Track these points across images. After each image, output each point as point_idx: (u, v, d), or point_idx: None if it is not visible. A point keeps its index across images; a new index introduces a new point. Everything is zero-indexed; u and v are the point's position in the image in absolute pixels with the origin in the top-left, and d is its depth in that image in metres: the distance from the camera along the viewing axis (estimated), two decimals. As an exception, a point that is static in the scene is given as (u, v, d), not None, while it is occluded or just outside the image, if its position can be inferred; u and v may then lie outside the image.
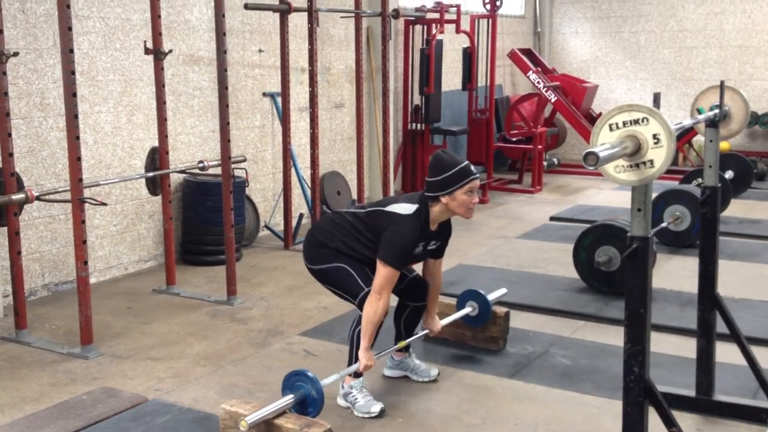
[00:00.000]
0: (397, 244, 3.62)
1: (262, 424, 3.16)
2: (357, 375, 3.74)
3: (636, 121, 2.28)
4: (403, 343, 3.96)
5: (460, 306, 4.46)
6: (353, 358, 3.75)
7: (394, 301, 3.94)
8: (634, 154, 2.28)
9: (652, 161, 2.27)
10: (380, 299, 3.59)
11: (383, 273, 3.60)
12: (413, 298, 4.01)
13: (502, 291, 4.70)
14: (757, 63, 11.09)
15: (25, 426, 3.55)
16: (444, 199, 3.68)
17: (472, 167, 3.74)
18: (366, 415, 3.68)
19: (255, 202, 7.08)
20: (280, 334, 4.82)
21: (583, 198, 9.27)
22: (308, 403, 3.33)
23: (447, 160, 3.71)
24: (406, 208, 3.70)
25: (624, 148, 2.25)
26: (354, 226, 3.79)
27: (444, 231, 3.90)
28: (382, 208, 3.77)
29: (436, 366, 4.20)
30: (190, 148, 6.56)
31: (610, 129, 2.32)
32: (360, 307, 3.68)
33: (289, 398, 3.31)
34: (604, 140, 2.32)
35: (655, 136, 2.26)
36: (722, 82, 3.55)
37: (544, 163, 10.10)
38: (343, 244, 3.79)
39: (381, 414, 3.68)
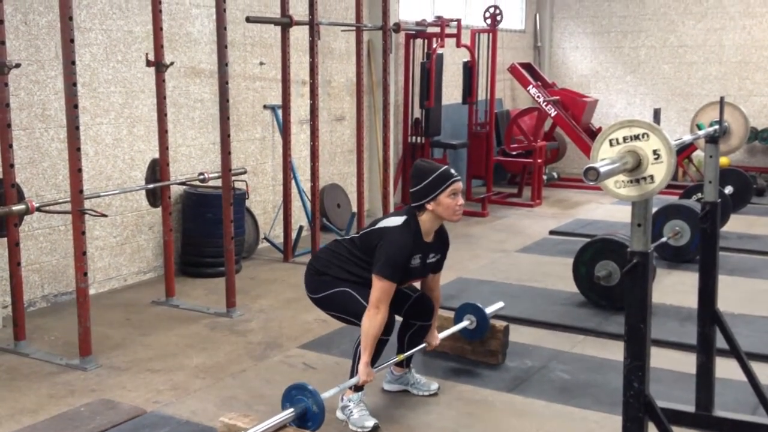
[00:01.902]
0: (389, 254, 3.61)
1: (261, 437, 3.15)
2: (357, 389, 3.73)
3: (636, 137, 2.29)
4: (401, 357, 3.95)
5: (458, 319, 4.45)
6: (354, 372, 3.74)
7: (400, 318, 3.95)
8: (635, 169, 2.28)
9: (652, 177, 2.27)
10: (378, 313, 3.58)
11: (378, 286, 3.60)
12: (419, 317, 3.99)
13: (500, 305, 4.69)
14: (756, 79, 11.12)
15: (22, 438, 3.54)
16: (430, 206, 3.68)
17: (452, 170, 3.74)
18: (360, 430, 3.66)
19: (255, 215, 7.08)
20: (279, 347, 4.81)
21: (583, 212, 9.27)
22: (308, 417, 3.31)
23: (426, 167, 3.74)
24: (394, 221, 3.72)
25: (624, 163, 2.25)
26: (350, 251, 3.81)
27: (441, 243, 3.90)
28: (372, 228, 3.79)
29: (436, 380, 4.19)
30: (191, 160, 6.57)
31: (611, 144, 2.33)
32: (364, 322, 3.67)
33: (290, 412, 3.30)
34: (604, 155, 2.33)
35: (655, 152, 2.26)
36: (722, 98, 3.56)
37: (544, 177, 10.11)
38: (342, 270, 3.79)
39: (375, 429, 3.66)
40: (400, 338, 4.05)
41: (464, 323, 4.41)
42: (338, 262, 3.82)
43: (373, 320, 3.58)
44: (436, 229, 3.82)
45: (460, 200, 3.72)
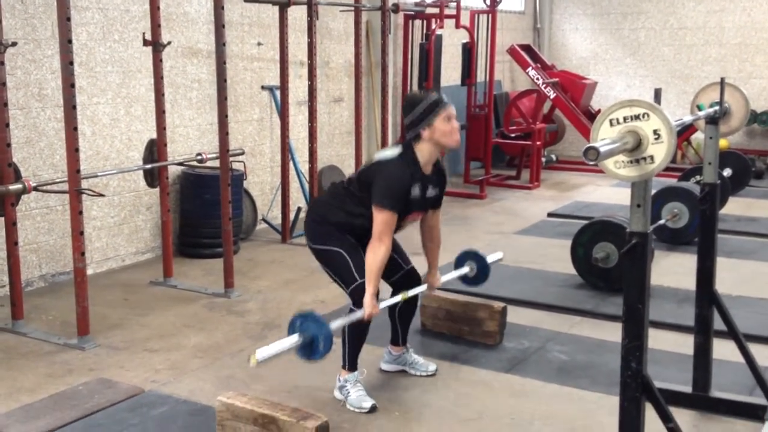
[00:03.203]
0: (387, 184, 3.57)
1: (259, 416, 3.16)
2: (352, 367, 3.74)
3: (637, 117, 2.27)
4: (405, 296, 3.83)
5: (458, 266, 4.37)
6: (346, 354, 3.75)
7: (387, 293, 3.94)
8: (635, 149, 2.27)
9: (652, 157, 2.26)
10: (381, 245, 3.54)
11: (380, 218, 3.55)
12: (405, 290, 3.99)
13: (499, 255, 4.59)
14: (756, 61, 11.09)
15: (21, 416, 3.55)
16: (425, 133, 3.64)
17: (444, 96, 3.72)
18: (357, 410, 3.67)
19: (253, 196, 7.07)
20: (276, 327, 4.81)
21: (581, 194, 9.27)
22: (315, 346, 3.25)
23: (417, 96, 3.73)
24: (390, 153, 3.69)
25: (624, 143, 2.24)
26: (347, 190, 3.78)
27: (439, 176, 3.85)
28: (370, 164, 3.77)
29: (433, 360, 4.20)
30: (189, 140, 6.55)
31: (611, 124, 2.31)
32: (351, 296, 3.66)
33: (295, 339, 3.24)
34: (604, 135, 2.31)
35: (655, 132, 2.25)
36: (722, 79, 3.55)
37: (543, 160, 10.09)
38: (340, 211, 3.74)
39: (373, 410, 3.67)
40: (392, 319, 4.06)
41: (464, 269, 4.32)
42: (338, 203, 3.77)
43: (377, 253, 3.54)
44: (434, 163, 3.78)
45: (455, 124, 3.69)
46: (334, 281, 3.83)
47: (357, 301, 3.63)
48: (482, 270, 4.34)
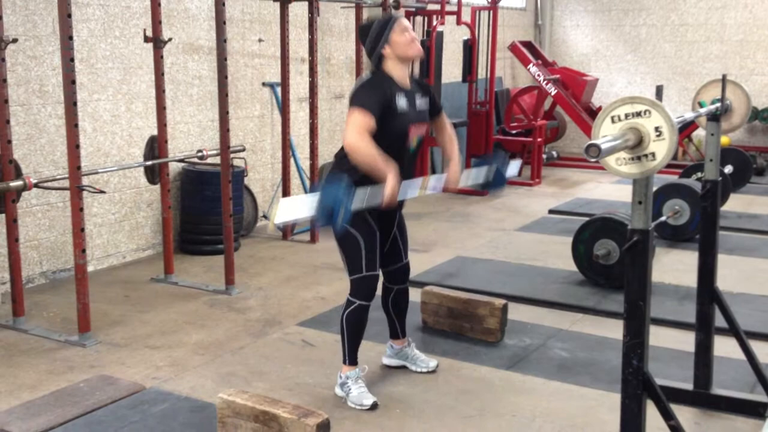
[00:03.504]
0: (358, 90, 3.56)
1: (260, 413, 3.16)
2: (353, 363, 3.75)
3: (638, 114, 2.27)
4: (426, 182, 3.73)
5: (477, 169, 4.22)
6: (345, 348, 3.76)
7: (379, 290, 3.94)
8: (636, 146, 2.26)
9: (653, 154, 2.26)
10: (360, 139, 3.43)
11: (350, 119, 3.48)
12: (397, 281, 3.99)
13: (515, 170, 4.44)
14: (757, 58, 11.07)
15: (22, 413, 3.55)
16: (386, 51, 3.65)
17: (393, 12, 3.71)
18: (358, 407, 3.67)
19: (254, 192, 7.06)
20: (278, 324, 4.81)
21: (582, 191, 9.26)
22: (335, 214, 3.20)
23: (367, 22, 3.76)
24: (361, 78, 3.70)
25: (626, 140, 2.23)
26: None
27: (422, 86, 3.82)
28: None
29: (434, 357, 4.20)
30: (189, 137, 6.54)
31: (612, 121, 2.31)
32: (351, 284, 3.69)
33: (315, 202, 3.20)
34: (605, 132, 2.31)
35: (657, 129, 2.24)
36: (724, 76, 3.54)
37: (544, 156, 10.09)
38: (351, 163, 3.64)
39: (374, 407, 3.67)
40: (386, 311, 4.07)
41: (482, 174, 4.13)
42: (344, 160, 3.66)
43: (359, 147, 3.43)
44: (411, 77, 3.76)
45: (412, 34, 3.69)
46: (341, 259, 3.79)
47: (356, 291, 3.68)
48: (498, 176, 4.17)
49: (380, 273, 3.80)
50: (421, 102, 3.76)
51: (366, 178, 3.51)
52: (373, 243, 3.70)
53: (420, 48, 3.73)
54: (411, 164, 3.82)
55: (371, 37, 3.68)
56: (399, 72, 3.69)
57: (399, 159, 3.64)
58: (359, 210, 3.45)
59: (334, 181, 3.28)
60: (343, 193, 3.23)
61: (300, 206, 3.17)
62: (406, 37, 3.65)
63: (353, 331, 3.75)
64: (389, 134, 3.58)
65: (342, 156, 3.66)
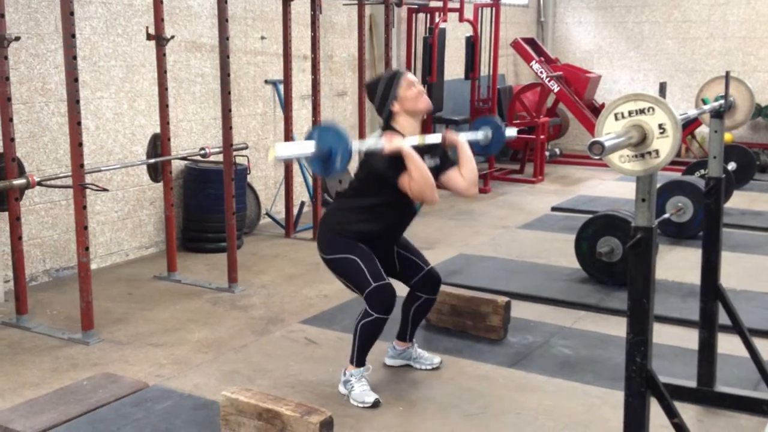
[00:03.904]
0: (387, 158, 3.55)
1: (263, 411, 3.16)
2: (360, 364, 3.73)
3: (642, 111, 2.26)
4: (421, 140, 3.69)
5: (474, 129, 4.18)
6: (355, 350, 3.73)
7: (404, 291, 3.95)
8: (640, 143, 2.26)
9: (657, 151, 2.25)
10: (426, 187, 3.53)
11: (406, 181, 3.53)
12: (426, 291, 3.97)
13: (514, 132, 4.43)
14: (761, 54, 11.05)
15: (25, 411, 3.55)
16: (395, 107, 3.69)
17: (399, 69, 3.79)
18: (360, 405, 3.67)
19: (256, 190, 7.07)
20: (280, 322, 4.82)
21: (585, 188, 9.25)
22: (332, 160, 3.17)
23: (373, 80, 3.82)
24: (372, 138, 3.68)
25: (629, 137, 2.23)
26: (352, 188, 3.79)
27: (433, 146, 3.81)
28: (360, 159, 3.77)
29: (437, 355, 4.20)
30: (192, 134, 6.54)
31: (616, 118, 2.30)
32: (367, 300, 3.63)
33: (312, 144, 3.17)
34: (609, 130, 2.30)
35: (660, 126, 2.24)
36: (728, 73, 3.53)
37: (546, 154, 10.08)
38: (354, 212, 3.71)
39: (375, 405, 3.66)
40: (405, 311, 4.04)
41: (479, 134, 4.11)
42: (347, 205, 3.76)
43: (421, 180, 3.51)
44: (430, 140, 3.75)
45: (419, 87, 3.73)
46: (349, 289, 3.80)
47: (372, 305, 3.61)
48: (496, 137, 4.13)
49: (390, 281, 3.71)
50: (430, 161, 3.76)
51: (368, 228, 3.67)
52: (368, 256, 3.69)
53: (429, 101, 3.77)
54: (410, 220, 3.88)
55: (379, 95, 3.71)
56: (410, 127, 3.72)
57: (401, 214, 3.76)
58: (352, 233, 3.51)
59: (330, 126, 3.24)
60: (341, 135, 3.18)
61: (298, 147, 3.13)
62: (413, 91, 3.69)
63: (366, 339, 3.71)
64: (395, 190, 3.61)
65: (347, 198, 3.77)
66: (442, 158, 3.87)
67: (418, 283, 3.95)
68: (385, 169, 3.58)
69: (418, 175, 3.51)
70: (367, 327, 3.66)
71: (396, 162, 3.53)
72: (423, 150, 3.69)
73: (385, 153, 3.51)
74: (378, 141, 3.53)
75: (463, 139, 3.88)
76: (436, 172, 3.79)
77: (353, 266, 3.68)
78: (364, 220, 3.73)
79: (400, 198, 3.65)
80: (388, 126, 3.73)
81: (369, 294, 3.62)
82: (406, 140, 3.59)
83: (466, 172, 3.81)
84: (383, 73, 3.79)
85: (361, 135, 7.49)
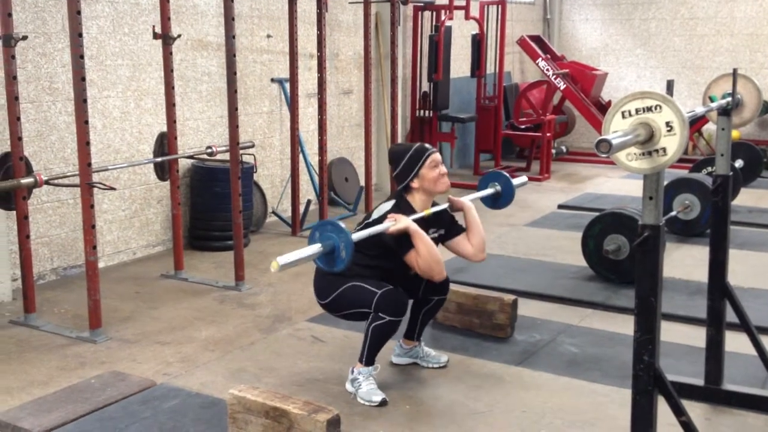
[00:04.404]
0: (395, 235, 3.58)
1: (270, 409, 3.16)
2: (369, 363, 3.73)
3: (649, 109, 2.26)
4: (428, 212, 3.76)
5: (482, 188, 4.28)
6: (365, 350, 3.71)
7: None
8: (647, 141, 2.26)
9: (664, 149, 2.25)
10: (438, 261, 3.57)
11: (413, 256, 3.56)
12: (437, 293, 3.98)
13: (524, 179, 4.46)
14: (768, 51, 11.02)
15: (33, 409, 3.56)
16: (414, 184, 3.72)
17: (427, 145, 3.78)
18: (367, 403, 3.67)
19: (263, 188, 7.07)
20: (287, 320, 4.82)
21: (592, 186, 9.24)
22: (337, 254, 3.21)
23: (400, 149, 3.80)
24: (384, 207, 3.72)
25: (636, 135, 2.23)
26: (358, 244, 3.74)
27: (440, 219, 3.85)
28: (367, 220, 3.76)
29: (444, 353, 4.20)
30: (199, 133, 6.56)
31: (623, 116, 2.30)
32: (376, 310, 3.60)
33: (317, 248, 3.21)
34: (616, 127, 2.30)
35: (668, 124, 2.24)
36: (735, 70, 3.52)
37: (553, 151, 10.07)
38: (358, 268, 3.68)
39: (383, 404, 3.66)
40: (414, 312, 4.04)
41: (489, 191, 4.23)
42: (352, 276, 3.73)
43: (429, 257, 3.54)
44: (436, 211, 3.81)
45: (443, 169, 3.74)
46: (358, 317, 3.74)
47: (383, 309, 3.60)
48: (506, 191, 4.22)
49: (396, 286, 3.72)
50: (434, 233, 3.80)
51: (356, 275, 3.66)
52: (366, 277, 3.67)
53: (448, 183, 3.79)
54: (412, 285, 3.89)
55: (403, 166, 3.73)
56: (422, 204, 3.76)
57: (401, 281, 3.77)
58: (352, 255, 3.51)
59: (328, 223, 3.26)
60: (340, 229, 3.22)
61: (301, 252, 3.19)
62: (436, 173, 3.71)
63: (378, 341, 3.69)
64: (398, 261, 3.65)
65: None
66: (450, 226, 3.91)
67: (426, 288, 3.95)
68: (392, 245, 3.59)
69: (425, 252, 3.55)
70: (379, 329, 3.64)
71: (403, 239, 3.56)
72: (429, 222, 3.74)
73: (391, 233, 3.53)
74: (381, 225, 3.55)
75: (470, 204, 3.96)
76: (443, 240, 3.86)
77: (355, 289, 3.66)
78: (355, 273, 3.68)
79: (401, 269, 3.70)
80: (401, 197, 3.75)
81: (377, 303, 3.60)
82: (411, 216, 3.63)
83: (474, 238, 3.90)
84: (411, 145, 3.76)
85: (367, 134, 7.50)
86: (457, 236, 3.92)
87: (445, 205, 3.89)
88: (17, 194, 4.58)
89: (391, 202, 3.74)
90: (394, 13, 7.61)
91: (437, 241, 3.85)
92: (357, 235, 3.36)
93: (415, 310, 4.03)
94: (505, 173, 4.27)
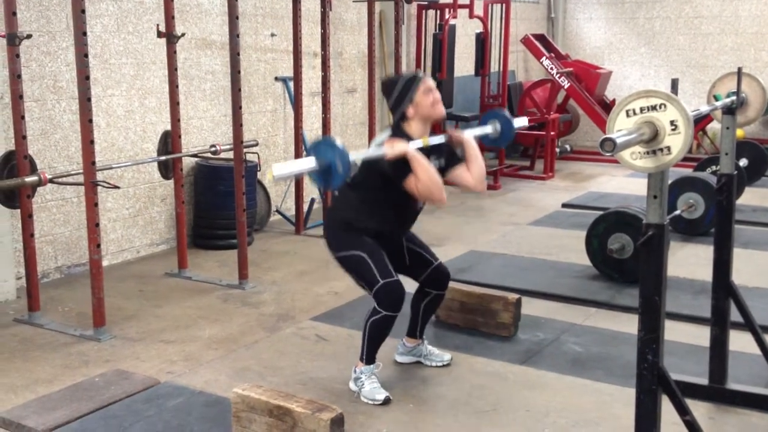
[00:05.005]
0: (391, 160, 3.53)
1: (274, 408, 3.17)
2: (370, 361, 3.74)
3: (653, 107, 2.26)
4: (426, 141, 3.69)
5: (482, 126, 4.20)
6: (365, 348, 3.73)
7: (412, 287, 3.95)
8: (651, 140, 2.25)
9: (669, 148, 2.24)
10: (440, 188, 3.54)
11: (412, 181, 3.51)
12: (436, 287, 3.98)
13: (524, 120, 4.43)
14: (773, 50, 10.99)
15: (38, 407, 3.57)
16: (410, 111, 3.68)
17: (418, 71, 3.74)
18: (371, 402, 3.67)
19: (266, 187, 7.08)
20: (291, 319, 4.82)
21: (596, 185, 9.23)
22: (333, 171, 3.15)
23: (392, 79, 3.77)
24: (381, 136, 3.69)
25: (641, 134, 2.22)
26: (357, 180, 3.72)
27: (439, 148, 3.79)
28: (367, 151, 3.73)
29: (447, 352, 4.19)
30: (202, 132, 6.56)
31: (627, 115, 2.29)
32: (375, 297, 3.63)
33: (312, 160, 3.16)
34: (620, 126, 2.30)
35: (672, 123, 2.23)
36: (740, 69, 3.51)
37: (557, 150, 10.06)
38: (358, 206, 3.71)
39: (386, 402, 3.66)
40: (414, 307, 4.04)
41: (488, 128, 4.14)
42: (352, 198, 3.74)
43: (428, 180, 3.51)
44: (434, 142, 3.74)
45: (436, 95, 3.71)
46: (359, 286, 3.80)
47: (381, 302, 3.62)
48: (506, 130, 4.15)
49: (399, 278, 3.71)
50: (436, 162, 3.76)
51: (372, 231, 3.66)
52: (376, 252, 3.68)
53: (443, 110, 3.76)
54: (414, 219, 3.88)
55: (395, 95, 3.70)
56: (419, 132, 3.71)
57: (404, 214, 3.75)
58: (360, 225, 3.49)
59: (328, 140, 3.22)
60: (339, 148, 3.16)
61: (297, 164, 3.14)
62: (430, 98, 3.67)
63: (376, 336, 3.71)
64: (399, 191, 3.61)
65: (349, 192, 3.74)
66: (449, 157, 3.86)
67: (427, 279, 3.95)
68: (390, 172, 3.57)
69: (425, 176, 3.51)
70: (376, 324, 3.67)
71: (401, 165, 3.53)
72: (428, 151, 3.69)
73: (388, 159, 3.51)
74: (379, 148, 3.53)
75: (469, 136, 3.88)
76: (442, 171, 3.79)
77: (361, 263, 3.67)
78: (370, 214, 3.71)
79: (406, 195, 3.64)
80: (398, 126, 3.72)
81: (377, 291, 3.62)
82: (410, 143, 3.59)
83: (474, 168, 3.82)
84: (403, 73, 3.76)
85: (371, 132, 7.49)
86: (458, 167, 3.85)
87: (443, 137, 3.84)
88: (21, 192, 4.59)
89: (388, 132, 3.71)
90: (398, 11, 7.60)
91: (439, 172, 3.75)
92: (354, 155, 3.32)
93: (415, 305, 4.04)
94: (505, 112, 4.21)
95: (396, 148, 3.50)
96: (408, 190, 3.57)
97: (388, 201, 3.70)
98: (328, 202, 6.88)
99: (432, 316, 4.13)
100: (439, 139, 3.78)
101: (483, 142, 4.21)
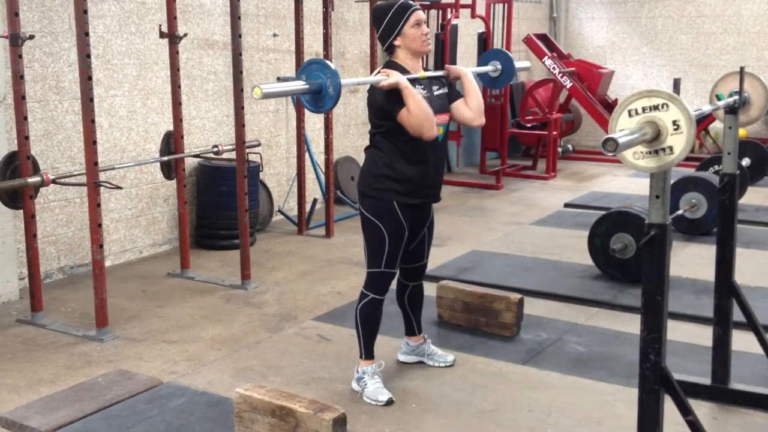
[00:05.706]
0: (385, 91, 3.51)
1: (277, 408, 3.17)
2: (369, 357, 3.76)
3: (656, 107, 2.25)
4: (423, 74, 3.67)
5: (483, 65, 4.19)
6: (360, 342, 3.77)
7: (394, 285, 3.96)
8: (653, 140, 2.25)
9: (671, 148, 2.24)
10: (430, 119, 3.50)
11: (405, 115, 3.47)
12: (412, 278, 4.00)
13: (527, 63, 4.37)
14: (775, 49, 10.98)
15: (40, 408, 3.58)
16: (398, 42, 3.64)
17: (410, 1, 3.67)
18: (374, 402, 3.68)
19: (269, 187, 7.08)
20: (293, 319, 4.83)
21: (598, 185, 9.22)
22: (324, 94, 3.11)
23: (383, 6, 3.69)
24: (373, 74, 3.66)
25: (643, 134, 2.22)
26: (373, 134, 3.70)
27: (437, 77, 3.78)
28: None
29: (450, 352, 4.20)
30: (205, 132, 6.56)
31: (629, 115, 2.29)
32: (367, 276, 3.71)
33: (302, 83, 3.12)
34: (623, 126, 2.29)
35: (674, 123, 2.23)
36: (742, 68, 3.51)
37: (559, 150, 10.05)
38: (385, 160, 3.63)
39: (389, 403, 3.67)
40: (400, 304, 4.07)
41: (488, 68, 4.13)
42: (377, 154, 3.68)
43: (419, 111, 3.46)
44: (432, 74, 3.73)
45: (425, 29, 3.67)
46: (363, 247, 3.78)
47: (370, 284, 3.70)
48: (506, 70, 4.13)
49: (397, 271, 3.79)
50: (439, 90, 3.74)
51: (403, 186, 3.61)
52: (399, 241, 3.69)
53: (429, 45, 3.72)
54: (441, 155, 3.80)
55: (386, 24, 3.65)
56: (410, 63, 3.68)
57: (427, 149, 3.65)
58: (391, 203, 3.44)
59: (319, 61, 3.18)
60: (330, 69, 3.11)
61: (287, 85, 3.09)
62: (418, 31, 3.63)
63: (367, 324, 3.76)
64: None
65: (374, 146, 3.68)
66: (449, 88, 3.84)
67: (409, 269, 3.95)
68: (384, 103, 3.53)
69: (416, 108, 3.46)
70: (365, 310, 3.73)
71: (394, 96, 3.49)
72: (428, 82, 3.68)
73: (382, 87, 3.47)
74: (373, 77, 3.50)
75: (466, 69, 3.87)
76: (447, 99, 3.77)
77: (378, 240, 3.66)
78: (396, 162, 3.62)
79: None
80: (391, 60, 3.69)
81: (372, 273, 3.70)
82: (406, 75, 3.55)
83: (471, 102, 3.80)
84: (394, 2, 3.65)
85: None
86: (456, 100, 3.83)
87: (441, 72, 3.82)
88: (24, 193, 4.59)
89: (379, 68, 3.67)
90: (400, 11, 7.60)
91: (443, 99, 3.74)
92: (348, 81, 3.30)
93: (400, 301, 4.06)
94: (508, 52, 4.16)
95: (390, 78, 3.47)
96: (400, 122, 3.52)
97: (408, 142, 3.60)
98: (330, 201, 6.88)
99: (421, 308, 4.11)
100: (437, 72, 3.77)
101: (483, 82, 4.19)
